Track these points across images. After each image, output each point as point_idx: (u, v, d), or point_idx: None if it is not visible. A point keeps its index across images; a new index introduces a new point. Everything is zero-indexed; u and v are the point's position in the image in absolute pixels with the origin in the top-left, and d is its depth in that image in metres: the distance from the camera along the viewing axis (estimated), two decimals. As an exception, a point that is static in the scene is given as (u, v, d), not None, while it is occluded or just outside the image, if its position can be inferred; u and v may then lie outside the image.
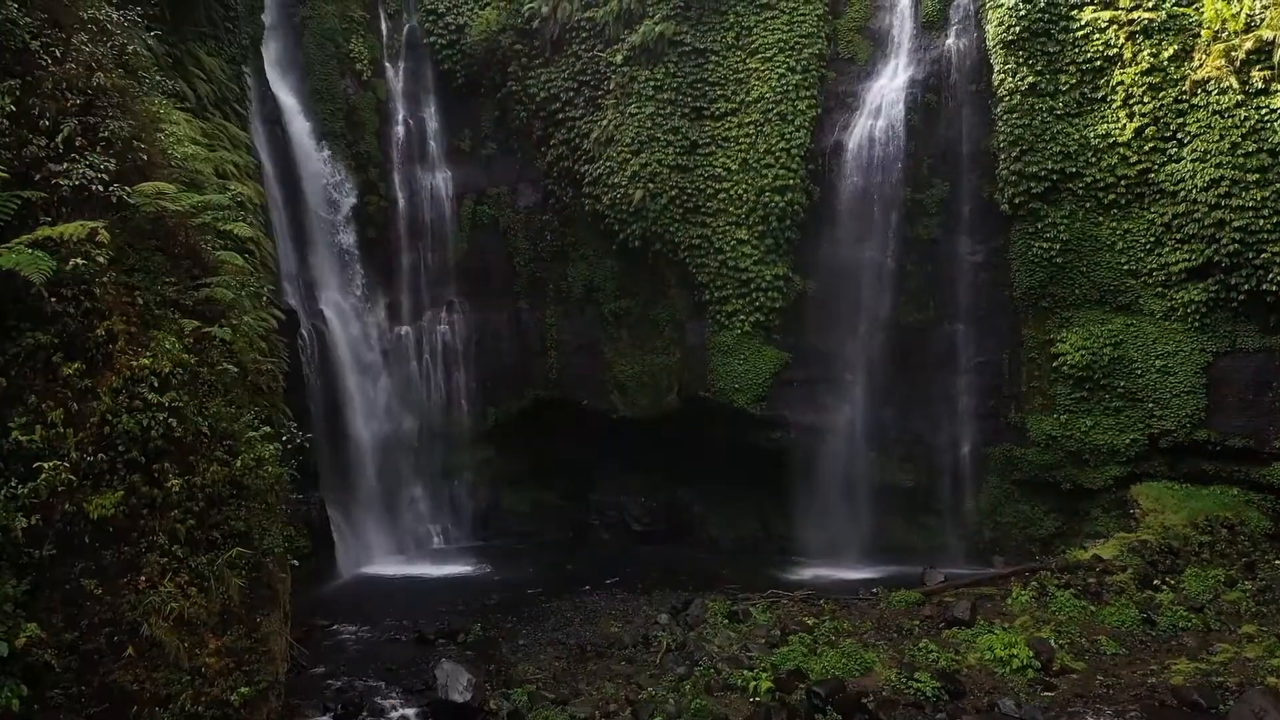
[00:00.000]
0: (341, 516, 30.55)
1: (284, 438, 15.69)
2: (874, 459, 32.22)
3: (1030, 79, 29.89)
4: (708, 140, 32.87)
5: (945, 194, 31.49)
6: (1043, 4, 29.83)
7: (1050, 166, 29.80)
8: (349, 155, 33.75)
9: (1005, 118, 30.24)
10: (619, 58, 33.42)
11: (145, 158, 14.70)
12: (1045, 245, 30.07)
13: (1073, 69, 29.75)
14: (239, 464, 13.98)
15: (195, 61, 25.15)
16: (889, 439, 32.31)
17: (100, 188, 13.06)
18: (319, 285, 31.65)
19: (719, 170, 32.53)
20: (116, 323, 12.82)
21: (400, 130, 35.66)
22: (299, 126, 31.98)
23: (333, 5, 34.20)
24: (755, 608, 23.69)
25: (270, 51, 32.10)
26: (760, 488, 33.43)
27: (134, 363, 12.73)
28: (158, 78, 21.46)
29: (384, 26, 35.81)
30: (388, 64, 35.76)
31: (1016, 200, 30.26)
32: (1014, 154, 30.13)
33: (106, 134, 13.71)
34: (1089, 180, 29.64)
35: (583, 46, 34.11)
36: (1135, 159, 29.08)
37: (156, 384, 12.92)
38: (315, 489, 28.98)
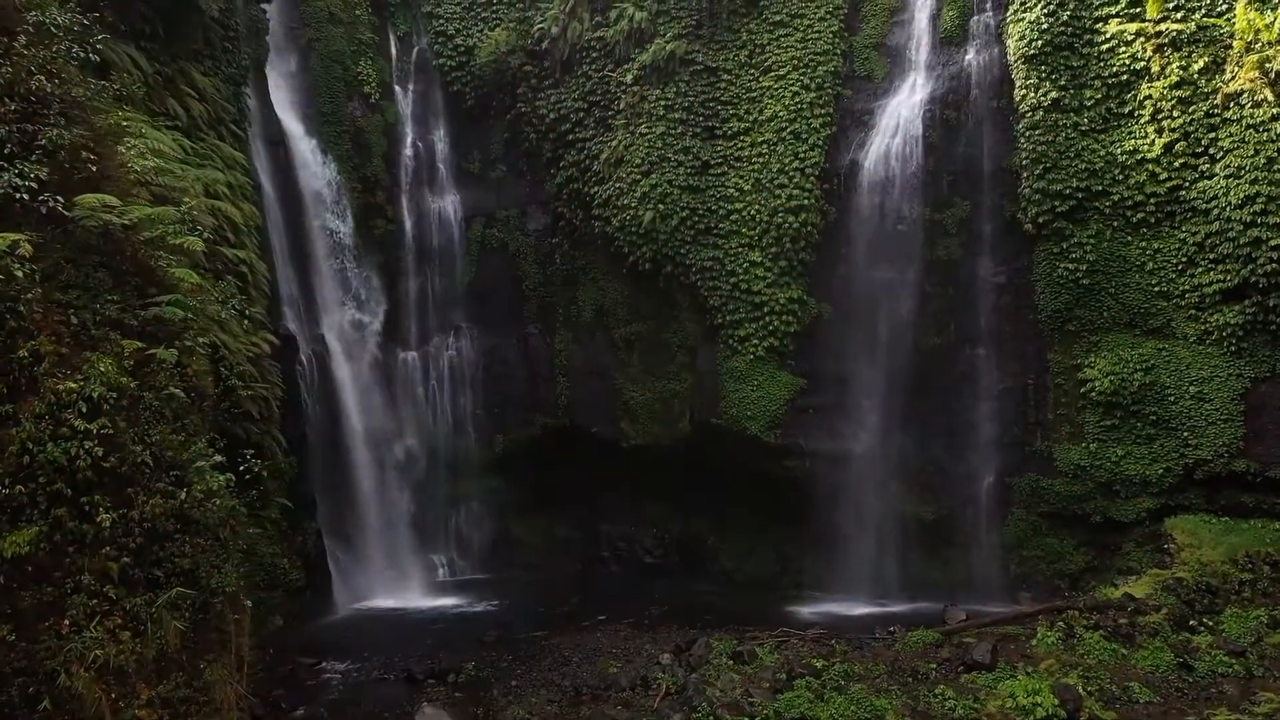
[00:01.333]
0: (340, 548, 29.42)
1: (241, 467, 14.44)
2: (893, 489, 30.66)
3: (1054, 94, 28.48)
4: (720, 160, 31.69)
5: (966, 213, 30.05)
6: (1066, 17, 28.47)
7: (1075, 184, 28.30)
8: (355, 178, 32.87)
9: (1028, 134, 28.82)
10: (629, 77, 32.41)
11: (95, 169, 13.67)
12: (1071, 266, 28.52)
13: (1098, 83, 28.31)
14: (185, 496, 12.79)
15: (188, 80, 24.34)
16: (909, 468, 30.74)
17: (27, 197, 12.00)
18: (321, 309, 30.68)
19: (731, 191, 31.34)
20: (44, 343, 11.73)
21: (409, 153, 34.80)
22: (303, 149, 31.15)
23: (340, 28, 33.46)
24: (762, 648, 22.17)
25: (275, 73, 31.31)
26: (775, 519, 31.96)
27: (60, 386, 11.60)
28: (140, 92, 20.72)
29: (393, 49, 35.08)
30: (397, 86, 34.97)
31: (1040, 219, 28.76)
32: (1037, 171, 28.67)
33: (45, 142, 12.68)
34: (1116, 198, 28.11)
35: (593, 66, 33.15)
36: (1165, 176, 27.52)
37: (85, 409, 11.78)
38: (312, 519, 27.95)
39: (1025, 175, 28.91)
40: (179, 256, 14.22)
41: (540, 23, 33.74)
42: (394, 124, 34.46)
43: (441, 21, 34.98)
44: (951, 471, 30.28)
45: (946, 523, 30.38)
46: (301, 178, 30.67)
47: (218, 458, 13.42)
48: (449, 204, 34.82)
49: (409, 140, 34.84)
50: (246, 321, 24.14)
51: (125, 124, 16.46)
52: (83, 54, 14.43)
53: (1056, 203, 28.50)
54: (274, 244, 28.65)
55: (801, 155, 30.86)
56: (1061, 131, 28.47)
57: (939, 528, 30.43)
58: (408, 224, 34.28)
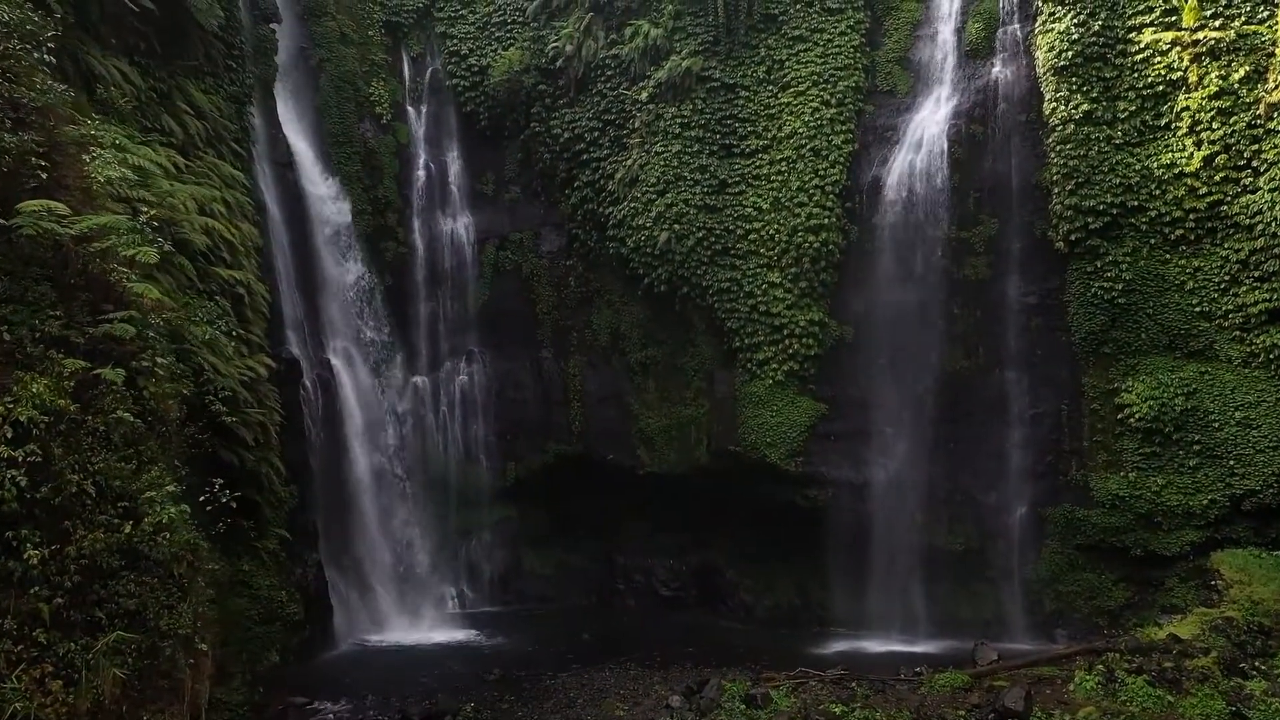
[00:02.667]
0: (344, 580, 28.18)
1: (201, 498, 13.21)
2: (920, 520, 29.05)
3: (1085, 107, 27.01)
4: (737, 179, 30.47)
5: (994, 231, 28.56)
6: (1097, 27, 27.05)
7: (1109, 200, 26.75)
8: (366, 200, 31.94)
9: (1059, 148, 27.35)
10: (644, 95, 31.33)
11: (47, 177, 12.59)
12: (1106, 285, 26.90)
13: (1132, 95, 26.83)
14: (130, 530, 11.55)
15: (185, 97, 23.48)
16: (936, 498, 29.12)
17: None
18: (328, 334, 29.63)
19: (749, 210, 30.08)
20: (-33, 362, 10.59)
21: (421, 174, 33.87)
22: (311, 170, 30.30)
23: (353, 49, 32.68)
24: (778, 690, 20.55)
25: (284, 94, 30.50)
26: (797, 551, 30.38)
27: (-17, 410, 10.45)
28: (128, 106, 19.81)
29: (406, 70, 34.26)
30: (409, 107, 34.11)
31: (1073, 237, 27.20)
32: (1069, 187, 27.17)
33: (-20, 145, 11.63)
34: (1153, 214, 26.53)
35: (607, 85, 32.11)
36: (1205, 190, 25.92)
37: (11, 435, 10.59)
38: (313, 550, 26.75)
39: (1056, 191, 27.44)
40: (137, 270, 13.05)
41: (555, 41, 32.78)
42: (406, 145, 33.58)
43: (455, 42, 34.12)
44: (981, 501, 28.63)
45: (976, 555, 28.71)
46: (309, 199, 29.78)
47: (170, 487, 12.14)
48: (461, 226, 33.81)
49: (421, 161, 33.93)
50: (242, 344, 23.27)
51: (98, 134, 15.43)
52: (39, 56, 13.36)
53: (1090, 219, 26.96)
54: (278, 266, 27.68)
55: (822, 173, 29.57)
56: (1094, 145, 27.00)
57: (968, 561, 28.76)
58: (419, 246, 33.29)
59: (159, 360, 13.00)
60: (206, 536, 20.63)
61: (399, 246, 32.83)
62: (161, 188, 19.62)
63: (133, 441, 12.36)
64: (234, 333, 22.88)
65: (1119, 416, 26.92)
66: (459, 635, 28.72)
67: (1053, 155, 27.56)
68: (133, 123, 20.95)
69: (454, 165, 34.26)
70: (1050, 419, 28.12)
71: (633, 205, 30.98)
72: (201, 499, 13.52)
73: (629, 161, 31.37)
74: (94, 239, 12.38)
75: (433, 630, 29.15)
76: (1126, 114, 26.89)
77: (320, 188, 30.39)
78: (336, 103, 31.97)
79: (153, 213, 14.33)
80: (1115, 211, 26.79)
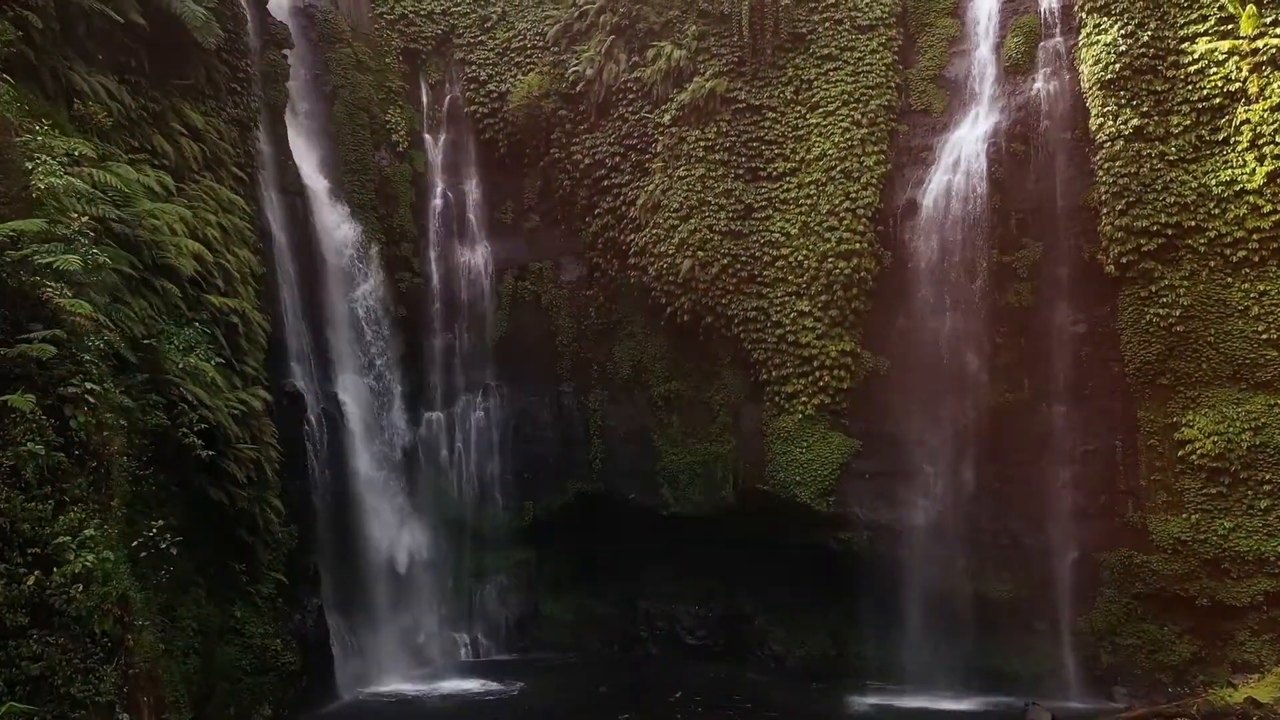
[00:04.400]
0: (348, 626, 26.40)
1: (135, 542, 11.49)
2: (962, 565, 26.85)
3: (1135, 122, 25.01)
4: (764, 203, 28.79)
5: (1038, 255, 26.54)
6: (1146, 38, 25.09)
7: (1163, 220, 24.63)
8: (380, 229, 30.54)
9: (1107, 166, 25.32)
10: (667, 118, 29.83)
11: (-30, 181, 11.07)
12: (1162, 312, 24.69)
13: (1186, 109, 24.79)
14: (35, 580, 9.84)
15: (181, 118, 22.17)
16: (981, 541, 26.88)
17: None
18: (336, 366, 28.11)
19: (776, 235, 28.36)
20: None
21: (438, 203, 32.51)
22: (323, 198, 28.97)
23: (369, 76, 31.49)
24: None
25: (296, 121, 29.31)
26: (830, 597, 28.29)
27: None
28: (108, 123, 18.52)
29: (425, 97, 33.06)
30: (427, 135, 32.83)
31: (1124, 260, 25.07)
32: (1119, 207, 25.10)
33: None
34: (1212, 235, 24.35)
35: (629, 109, 30.66)
36: (1269, 208, 23.77)
37: (-116, 470, 8.97)
38: (314, 595, 25.04)
39: (1105, 211, 25.38)
40: (62, 284, 11.43)
41: (575, 66, 31.41)
42: (423, 173, 32.27)
43: (474, 68, 32.88)
44: (1030, 545, 26.31)
45: (1025, 604, 26.34)
46: (319, 228, 28.45)
47: (89, 531, 10.42)
48: (479, 256, 32.34)
49: (439, 190, 32.60)
50: (235, 376, 21.77)
51: (52, 144, 13.98)
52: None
53: (1142, 241, 24.82)
54: (283, 296, 26.32)
55: (853, 195, 27.77)
56: (1146, 162, 24.95)
57: (1016, 609, 26.39)
58: (435, 277, 31.86)
59: (90, 386, 11.33)
60: (180, 583, 19.27)
61: (414, 277, 31.37)
62: (142, 207, 18.19)
63: (52, 479, 10.69)
64: (230, 363, 21.58)
65: (1179, 453, 24.54)
66: (471, 685, 26.82)
67: (1101, 174, 25.52)
68: (117, 141, 19.62)
69: (472, 194, 32.88)
70: (1103, 456, 25.78)
71: (655, 232, 29.35)
72: (151, 539, 11.74)
73: (651, 187, 29.80)
74: (7, 248, 10.79)
75: (443, 680, 27.31)
76: (1180, 129, 24.83)
77: (331, 217, 29.03)
78: (351, 130, 30.71)
79: (86, 219, 12.75)
80: (1170, 232, 24.64)
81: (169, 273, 19.15)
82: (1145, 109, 25.08)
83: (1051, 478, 26.16)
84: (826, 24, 29.19)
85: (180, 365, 17.30)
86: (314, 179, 29.10)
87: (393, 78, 32.22)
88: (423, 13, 32.92)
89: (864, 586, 27.25)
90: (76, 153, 14.54)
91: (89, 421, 11.41)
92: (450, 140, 33.06)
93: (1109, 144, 25.38)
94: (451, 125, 33.14)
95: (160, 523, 12.67)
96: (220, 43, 23.73)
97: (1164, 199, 24.70)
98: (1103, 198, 25.44)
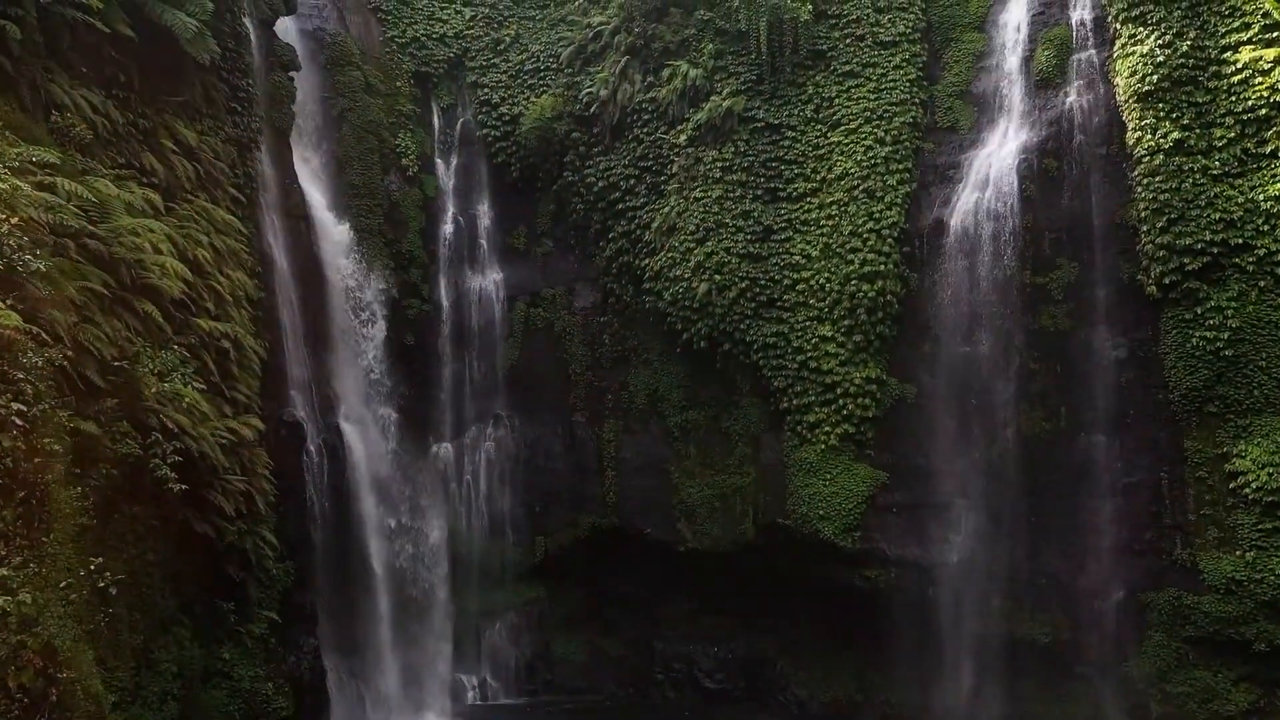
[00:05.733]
0: (347, 668, 24.94)
1: (64, 583, 10.11)
2: (998, 606, 25.23)
3: (1176, 135, 23.53)
4: (783, 224, 27.50)
5: (1074, 276, 25.04)
6: (1185, 48, 23.66)
7: (1208, 238, 23.06)
8: (388, 255, 29.42)
9: (1146, 182, 23.83)
10: (683, 138, 28.65)
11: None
12: (1208, 335, 23.03)
13: (1230, 120, 23.33)
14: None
15: (172, 136, 21.08)
16: (1017, 580, 25.22)
17: None
18: (339, 396, 26.85)
19: (797, 258, 27.07)
20: None
21: (449, 228, 31.37)
22: (328, 222, 27.88)
23: (379, 99, 30.51)
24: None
25: (302, 144, 28.34)
26: (856, 639, 26.84)
27: None
28: (87, 136, 17.47)
29: (436, 121, 32.04)
30: (438, 159, 31.78)
31: (1166, 280, 23.48)
32: (1160, 224, 23.57)
33: None
34: (1261, 253, 22.79)
35: (644, 130, 29.52)
36: (1323, 224, 22.04)
37: None
38: (310, 635, 23.56)
39: (1145, 229, 23.85)
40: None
41: (589, 87, 30.31)
42: (433, 198, 31.19)
43: (486, 91, 31.86)
44: (1070, 585, 24.60)
45: (1067, 648, 24.65)
46: (324, 252, 27.31)
47: (3, 571, 9.04)
48: (491, 282, 31.13)
49: (450, 215, 31.49)
50: (225, 403, 20.54)
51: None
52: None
53: (1186, 260, 23.23)
54: (284, 321, 25.12)
55: (876, 215, 26.37)
56: (1188, 177, 23.43)
57: (1057, 654, 24.69)
58: (445, 303, 30.66)
59: (19, 407, 10.01)
60: (160, 623, 17.92)
61: (423, 304, 30.16)
62: (120, 223, 17.06)
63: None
64: (219, 390, 20.38)
65: (1231, 486, 22.80)
66: (474, 731, 25.22)
67: (1140, 190, 24.01)
68: (102, 157, 18.57)
69: (484, 218, 31.72)
70: (1148, 489, 24.06)
71: (670, 255, 28.05)
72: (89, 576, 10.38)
73: (666, 209, 28.56)
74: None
75: (445, 726, 25.71)
76: (1224, 142, 23.32)
77: (337, 242, 27.92)
78: (359, 154, 29.68)
79: (16, 220, 11.50)
80: (1216, 250, 23.06)
81: (151, 293, 17.96)
82: (1186, 121, 23.63)
83: (1092, 512, 24.49)
84: (847, 40, 28.02)
85: (155, 390, 15.99)
86: (319, 203, 28.04)
87: (403, 101, 31.24)
88: (435, 36, 32.00)
89: (892, 628, 25.74)
90: (36, 159, 13.34)
91: (16, 446, 10.09)
92: (462, 164, 31.99)
93: (1148, 158, 23.90)
94: (463, 149, 32.09)
95: (99, 560, 11.24)
96: (218, 59, 22.70)
97: (1208, 215, 23.14)
98: (1142, 215, 23.90)
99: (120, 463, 15.45)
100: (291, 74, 27.69)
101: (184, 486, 16.20)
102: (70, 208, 15.30)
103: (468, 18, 32.28)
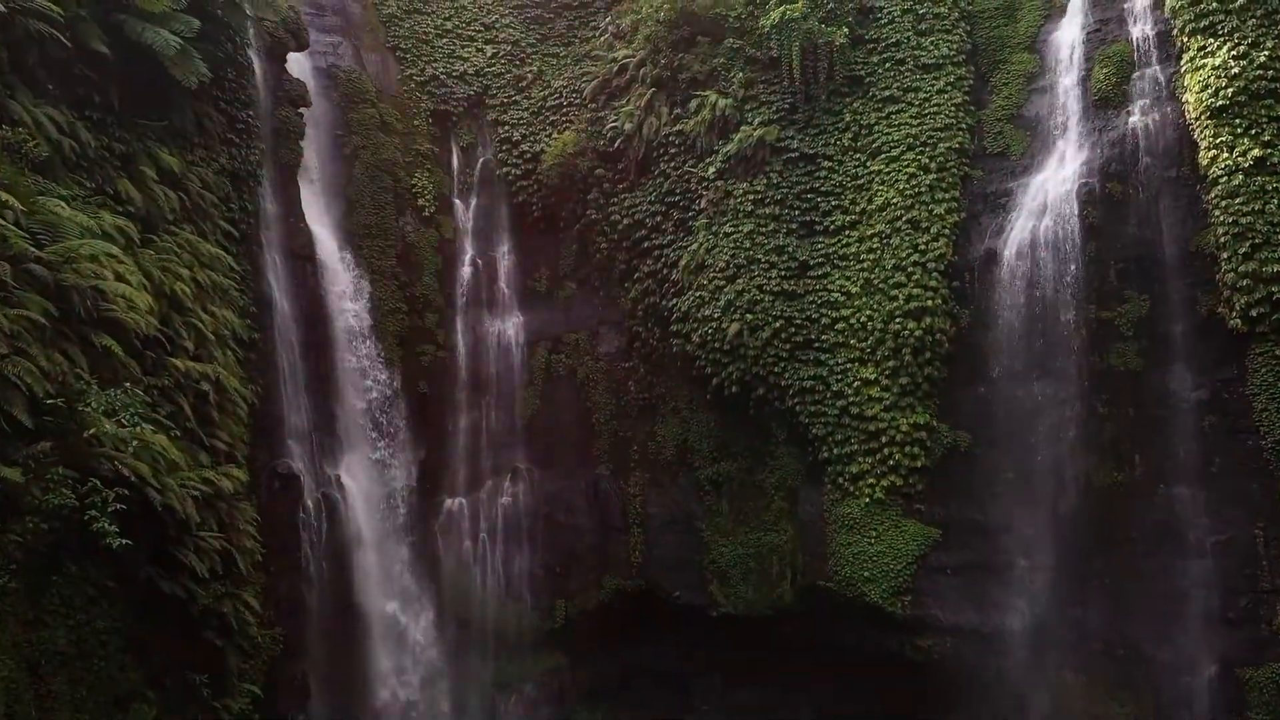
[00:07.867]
0: (340, 745, 22.33)
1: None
2: (1071, 680, 22.41)
3: (1256, 152, 21.06)
4: (820, 259, 25.34)
5: (1144, 310, 22.46)
6: (1263, 59, 21.32)
7: (1300, 264, 20.24)
8: (400, 298, 27.53)
9: (1225, 204, 21.24)
10: (712, 171, 26.65)
11: None
12: (1305, 373, 20.08)
13: (1317, 135, 20.54)
14: None
15: (154, 163, 19.31)
16: (1090, 652, 22.37)
17: None
18: (342, 447, 24.84)
19: (835, 295, 24.83)
20: None
21: (467, 270, 29.47)
22: (335, 263, 26.25)
23: (395, 138, 28.88)
24: None
25: (313, 182, 26.66)
26: (908, 715, 23.95)
27: None
28: (44, 153, 15.67)
29: (455, 160, 30.38)
30: (457, 199, 30.02)
31: (1253, 313, 20.79)
32: (1242, 251, 20.93)
33: None
34: (1361, 279, 19.84)
35: (670, 164, 27.62)
36: None
37: None
38: (302, 710, 21.52)
39: (1226, 257, 21.23)
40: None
41: (614, 121, 28.48)
42: (450, 239, 29.36)
43: (507, 128, 30.20)
44: (1153, 657, 21.63)
45: (1151, 731, 21.27)
46: (329, 294, 25.64)
47: None
48: (510, 326, 29.07)
49: (468, 257, 29.61)
50: (202, 451, 18.42)
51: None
52: None
53: (1274, 289, 20.64)
54: (282, 366, 23.36)
55: (922, 247, 24.06)
56: (1272, 198, 21.00)
57: (1140, 737, 21.32)
58: (461, 349, 28.61)
59: None
60: (118, 699, 15.56)
61: (438, 350, 28.11)
62: (75, 249, 15.12)
63: None
64: (195, 436, 18.31)
65: (1339, 544, 19.63)
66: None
67: (1217, 213, 21.38)
68: (65, 180, 16.81)
69: (504, 260, 29.79)
70: (1241, 548, 21.05)
71: (699, 294, 25.81)
72: None
73: (694, 246, 26.40)
74: None
75: (456, 812, 22.97)
76: (1312, 158, 20.58)
77: (344, 283, 26.16)
78: (371, 193, 27.94)
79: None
80: (1309, 278, 20.21)
81: (112, 327, 15.96)
82: (1267, 138, 21.18)
83: (1176, 574, 21.53)
84: (887, 65, 26.02)
85: (103, 433, 13.85)
86: (328, 243, 26.34)
87: (421, 140, 29.60)
88: (455, 74, 30.44)
89: (949, 703, 23.21)
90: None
91: None
92: (481, 205, 30.15)
93: (1225, 179, 21.29)
94: (483, 189, 30.28)
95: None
96: (211, 87, 21.17)
97: (1298, 239, 20.37)
98: (1221, 241, 21.22)
99: (53, 515, 13.26)
100: (301, 110, 26.20)
101: (127, 542, 13.90)
102: (13, 229, 13.31)
103: (489, 55, 30.75)
